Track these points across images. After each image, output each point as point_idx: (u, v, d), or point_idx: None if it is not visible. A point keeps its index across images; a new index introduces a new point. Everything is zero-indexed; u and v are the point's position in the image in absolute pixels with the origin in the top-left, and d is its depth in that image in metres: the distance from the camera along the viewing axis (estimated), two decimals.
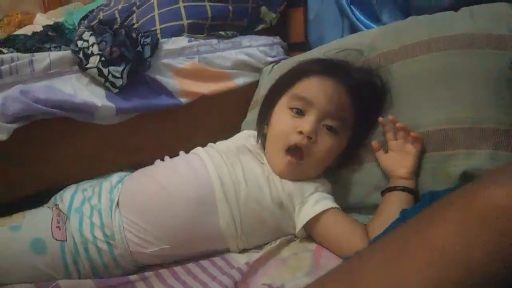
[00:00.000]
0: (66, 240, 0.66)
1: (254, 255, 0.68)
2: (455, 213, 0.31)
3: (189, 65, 1.00)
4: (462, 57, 0.75)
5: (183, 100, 0.96)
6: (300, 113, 0.73)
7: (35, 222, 0.67)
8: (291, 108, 0.74)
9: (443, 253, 0.30)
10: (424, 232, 0.32)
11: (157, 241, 0.68)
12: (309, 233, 0.72)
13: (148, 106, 0.89)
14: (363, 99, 0.76)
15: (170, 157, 0.91)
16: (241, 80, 1.09)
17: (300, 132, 0.71)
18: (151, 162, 0.90)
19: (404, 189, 0.70)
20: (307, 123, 0.71)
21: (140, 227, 0.68)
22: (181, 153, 0.85)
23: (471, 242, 0.29)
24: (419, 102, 0.76)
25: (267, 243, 0.72)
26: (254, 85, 1.12)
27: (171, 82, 0.95)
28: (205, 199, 0.70)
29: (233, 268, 0.64)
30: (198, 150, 0.81)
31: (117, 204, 0.70)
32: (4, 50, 1.13)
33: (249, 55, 1.12)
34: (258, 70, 1.13)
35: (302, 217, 0.70)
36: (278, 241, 0.71)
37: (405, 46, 0.82)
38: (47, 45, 1.17)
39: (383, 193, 0.73)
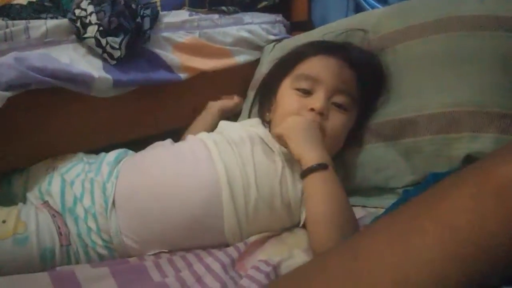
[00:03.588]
0: (70, 244, 0.63)
1: (252, 237, 0.66)
2: (468, 189, 0.30)
3: (189, 40, 0.98)
4: (469, 39, 0.74)
5: (183, 75, 0.94)
6: (307, 93, 0.72)
7: (41, 231, 0.62)
8: (297, 89, 0.73)
9: (456, 230, 0.29)
10: (435, 208, 0.31)
11: (156, 246, 0.65)
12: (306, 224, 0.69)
13: (147, 80, 0.87)
14: (365, 77, 0.74)
15: (168, 136, 0.88)
16: (241, 58, 1.07)
17: (311, 109, 0.69)
18: (146, 140, 0.88)
19: (312, 169, 0.64)
20: (317, 100, 0.70)
21: (138, 232, 0.64)
22: (188, 137, 0.79)
23: (486, 219, 0.28)
24: (424, 83, 0.75)
25: None
26: (254, 64, 1.10)
27: (171, 56, 0.93)
28: (211, 207, 0.65)
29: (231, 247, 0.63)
30: (208, 139, 0.73)
31: (113, 203, 0.65)
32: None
33: (250, 32, 1.10)
34: (259, 48, 1.11)
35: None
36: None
37: (411, 27, 0.80)
38: (43, 15, 1.14)
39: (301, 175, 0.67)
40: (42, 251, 0.62)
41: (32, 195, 0.71)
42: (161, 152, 0.74)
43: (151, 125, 0.95)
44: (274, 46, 1.11)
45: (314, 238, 0.61)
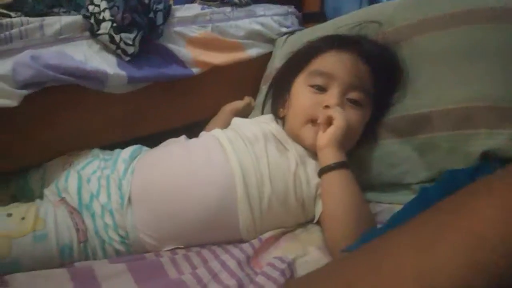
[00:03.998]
0: (88, 240, 0.64)
1: (267, 234, 0.67)
2: (497, 199, 0.30)
3: (202, 34, 0.97)
4: (487, 32, 0.72)
5: (195, 70, 0.94)
6: (321, 89, 0.71)
7: (58, 228, 0.63)
8: (311, 86, 0.72)
9: (484, 240, 0.28)
10: (463, 217, 0.31)
11: (172, 242, 0.66)
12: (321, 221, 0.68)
13: (160, 76, 0.87)
14: (380, 71, 0.73)
15: (181, 131, 0.88)
16: (254, 51, 1.07)
17: (326, 107, 0.69)
18: (160, 135, 0.89)
19: (329, 168, 0.66)
20: (331, 97, 0.69)
21: (154, 229, 0.65)
22: (201, 134, 0.79)
23: None
24: (440, 78, 0.73)
25: None
26: (267, 57, 1.09)
27: (183, 51, 0.93)
28: (226, 204, 0.65)
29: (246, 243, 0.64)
30: (221, 136, 0.73)
31: (129, 199, 0.66)
32: (12, 14, 1.10)
33: (263, 25, 1.09)
34: (271, 41, 1.11)
35: (320, 205, 0.68)
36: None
37: (427, 20, 0.78)
38: (56, 10, 1.14)
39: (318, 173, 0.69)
40: (61, 248, 0.63)
41: (49, 191, 0.72)
42: (175, 150, 0.74)
43: (163, 120, 0.95)
44: (286, 39, 1.10)
45: (330, 236, 0.62)
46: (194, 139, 0.77)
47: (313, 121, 0.71)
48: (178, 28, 0.94)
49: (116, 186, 0.67)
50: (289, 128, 0.75)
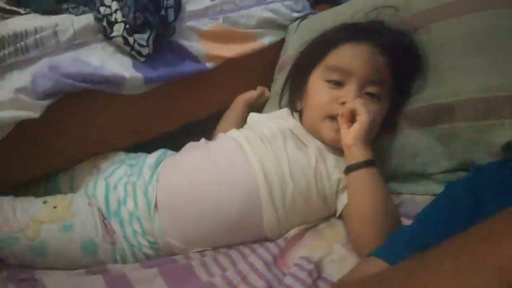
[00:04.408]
0: (115, 244, 0.66)
1: (292, 232, 0.68)
2: None
3: (214, 27, 0.96)
4: (509, 17, 0.70)
5: (209, 64, 0.93)
6: (338, 84, 0.71)
7: (86, 223, 0.67)
8: (328, 81, 0.71)
9: None
10: (496, 247, 0.31)
11: (200, 245, 0.68)
12: (343, 215, 0.70)
13: (175, 74, 0.87)
14: (398, 60, 0.72)
15: (198, 126, 0.89)
16: (266, 40, 1.05)
17: (343, 103, 0.69)
18: (177, 133, 0.91)
19: (359, 165, 0.65)
20: (349, 93, 0.69)
21: (182, 233, 0.67)
22: (220, 136, 0.80)
23: None
24: (461, 66, 0.72)
25: None
26: (280, 44, 1.07)
27: (196, 46, 0.92)
28: (250, 208, 0.67)
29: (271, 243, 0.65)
30: (240, 138, 0.73)
31: (155, 206, 0.68)
32: (21, 11, 1.09)
33: (274, 11, 1.07)
34: (283, 27, 1.09)
35: (342, 200, 0.69)
36: None
37: (446, 5, 0.76)
38: (65, 6, 1.13)
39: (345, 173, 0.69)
40: (85, 242, 0.66)
41: (81, 194, 0.74)
42: (197, 155, 0.75)
43: (180, 116, 0.95)
44: (299, 24, 1.07)
45: (358, 234, 0.63)
46: (213, 143, 0.77)
47: (331, 117, 0.70)
48: (189, 23, 0.93)
49: (142, 193, 0.69)
50: (307, 123, 0.75)
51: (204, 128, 0.97)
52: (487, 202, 0.50)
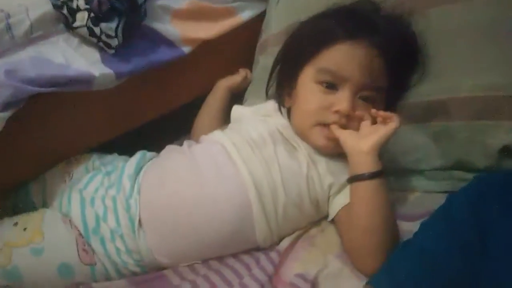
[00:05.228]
0: (95, 264, 0.62)
1: (283, 242, 0.66)
2: None
3: (188, 4, 0.87)
4: (508, 6, 0.65)
5: (185, 49, 0.85)
6: (331, 87, 0.65)
7: (58, 244, 0.62)
8: (320, 82, 0.66)
9: None
10: None
11: (189, 259, 0.64)
12: (337, 221, 0.67)
13: (150, 64, 0.79)
14: (396, 57, 0.67)
15: (178, 115, 0.83)
16: (246, 14, 0.96)
17: (336, 112, 0.64)
18: (156, 125, 0.85)
19: (368, 176, 0.61)
20: (343, 101, 0.63)
21: (169, 250, 0.64)
22: (204, 140, 0.74)
23: None
24: (460, 60, 0.68)
25: None
26: (261, 18, 0.99)
27: (170, 29, 0.83)
28: (242, 220, 0.64)
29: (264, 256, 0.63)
30: (227, 143, 0.68)
31: (139, 222, 0.63)
32: None
33: None
34: None
35: (336, 204, 0.66)
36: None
37: None
38: None
39: (349, 180, 0.64)
40: (60, 265, 0.62)
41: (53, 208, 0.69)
42: (181, 164, 0.69)
43: (158, 106, 0.89)
44: None
45: (356, 247, 0.61)
46: (198, 149, 0.71)
47: (322, 124, 0.66)
48: (161, 2, 0.83)
49: (123, 208, 0.64)
50: (296, 126, 0.70)
51: (184, 116, 0.91)
52: (492, 226, 0.49)
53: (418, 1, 0.73)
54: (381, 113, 0.63)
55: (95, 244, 0.64)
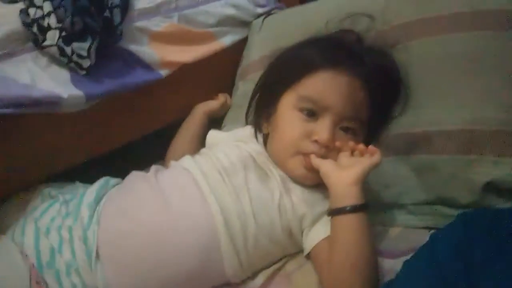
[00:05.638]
0: None
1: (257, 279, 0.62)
2: None
3: (167, 27, 0.85)
4: (496, 41, 0.64)
5: (163, 72, 0.83)
6: (312, 115, 0.62)
7: (10, 277, 0.57)
8: (301, 110, 0.63)
9: None
10: None
11: None
12: (314, 256, 0.63)
13: (123, 86, 0.76)
14: (378, 89, 0.65)
15: (152, 139, 0.79)
16: (227, 40, 0.95)
17: (315, 141, 0.61)
18: (127, 149, 0.82)
19: (353, 209, 0.58)
20: (323, 131, 0.60)
21: (130, 285, 0.59)
22: (172, 166, 0.70)
23: None
24: (442, 92, 0.66)
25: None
26: (242, 44, 0.98)
27: (148, 51, 0.81)
28: (210, 253, 0.60)
29: None
30: (195, 171, 0.65)
31: (96, 254, 0.59)
32: None
33: (235, 7, 0.96)
34: (246, 24, 0.99)
35: (312, 238, 0.63)
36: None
37: (427, 20, 0.70)
38: None
39: (330, 213, 0.61)
40: None
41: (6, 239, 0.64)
42: (145, 193, 0.64)
43: (131, 130, 0.84)
44: (263, 21, 0.97)
45: (337, 283, 0.57)
46: (164, 176, 0.67)
47: (301, 154, 0.63)
48: (139, 23, 0.81)
49: (80, 240, 0.59)
50: (273, 153, 0.67)
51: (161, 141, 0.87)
52: (479, 271, 0.45)
53: (399, 33, 0.72)
54: (360, 146, 0.60)
55: (49, 279, 0.58)
